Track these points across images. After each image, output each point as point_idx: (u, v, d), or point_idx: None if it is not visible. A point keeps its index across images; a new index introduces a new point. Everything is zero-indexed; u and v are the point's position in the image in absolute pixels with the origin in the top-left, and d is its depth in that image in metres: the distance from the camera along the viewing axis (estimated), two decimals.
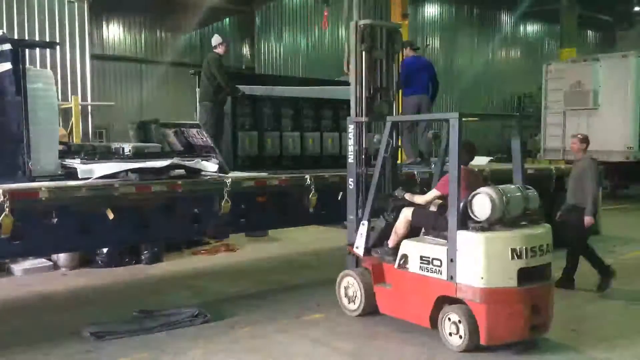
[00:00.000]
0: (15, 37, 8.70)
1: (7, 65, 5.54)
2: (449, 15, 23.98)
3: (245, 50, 17.59)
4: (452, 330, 5.12)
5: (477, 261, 4.96)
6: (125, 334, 5.57)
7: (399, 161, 7.23)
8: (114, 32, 15.46)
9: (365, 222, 6.13)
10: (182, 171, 6.30)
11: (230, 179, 6.30)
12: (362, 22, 6.37)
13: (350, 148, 6.39)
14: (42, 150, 5.71)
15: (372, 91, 6.38)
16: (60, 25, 10.26)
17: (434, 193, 5.69)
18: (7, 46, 5.56)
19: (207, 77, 7.93)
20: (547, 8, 23.38)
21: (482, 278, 4.92)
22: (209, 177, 6.44)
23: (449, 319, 5.16)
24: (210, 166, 6.49)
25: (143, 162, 5.99)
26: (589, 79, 15.08)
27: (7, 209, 4.86)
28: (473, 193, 5.16)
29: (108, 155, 6.39)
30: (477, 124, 12.33)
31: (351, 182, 6.40)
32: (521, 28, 27.26)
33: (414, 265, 5.49)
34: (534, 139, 20.38)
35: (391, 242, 5.92)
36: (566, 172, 9.88)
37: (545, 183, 9.29)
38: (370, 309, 6.01)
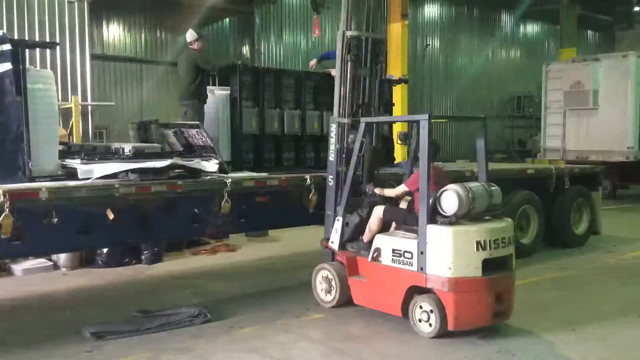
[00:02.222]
0: (15, 37, 8.70)
1: (7, 66, 5.55)
2: (449, 15, 23.97)
3: (246, 50, 17.59)
4: (423, 317, 5.46)
5: (445, 253, 5.31)
6: (125, 334, 5.57)
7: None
8: (114, 32, 15.46)
9: (340, 218, 6.43)
10: (182, 171, 6.30)
11: (230, 179, 6.30)
12: (349, 34, 6.52)
13: (332, 147, 6.62)
14: (42, 150, 5.72)
15: (354, 107, 6.60)
16: (60, 25, 10.25)
17: (402, 188, 6.05)
18: (7, 46, 5.56)
19: (190, 74, 7.84)
20: (547, 8, 23.38)
21: (449, 268, 5.28)
22: (209, 177, 6.45)
23: (420, 307, 5.49)
24: (210, 166, 6.49)
25: (143, 162, 5.99)
26: (588, 79, 15.08)
27: (7, 209, 4.86)
28: (441, 189, 5.48)
29: (108, 155, 6.39)
30: (475, 124, 12.34)
31: (331, 180, 6.65)
32: (521, 28, 27.27)
33: (386, 258, 5.81)
34: (533, 139, 20.40)
35: (365, 238, 6.23)
36: (566, 172, 9.91)
37: (545, 183, 9.29)
38: (345, 301, 6.29)
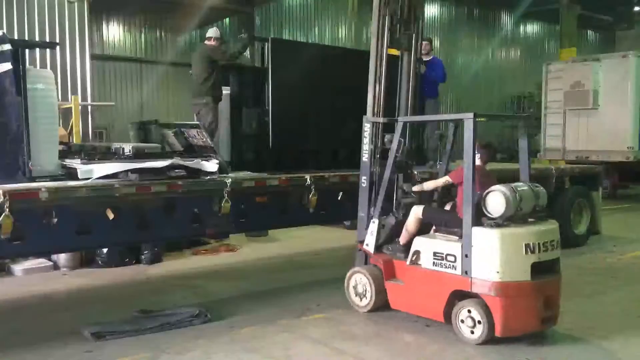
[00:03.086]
0: (15, 37, 8.70)
1: (7, 66, 5.55)
2: (449, 15, 23.97)
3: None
4: (468, 323, 5.29)
5: (492, 256, 5.14)
6: (125, 334, 5.57)
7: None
8: (114, 32, 15.46)
9: (376, 220, 6.24)
10: (182, 171, 6.31)
11: (230, 179, 6.31)
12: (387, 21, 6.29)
13: (365, 147, 6.46)
14: (42, 150, 5.72)
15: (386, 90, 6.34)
16: (60, 25, 10.25)
17: (445, 179, 5.91)
18: (7, 46, 5.56)
19: (204, 70, 7.67)
20: (547, 8, 23.37)
21: (497, 272, 5.11)
22: (209, 177, 6.45)
23: (465, 312, 5.32)
24: (210, 166, 6.49)
25: (143, 163, 5.99)
26: (589, 79, 15.08)
27: (7, 209, 4.86)
28: (487, 191, 5.32)
29: (108, 155, 6.39)
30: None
31: (364, 180, 6.48)
32: (521, 28, 27.27)
33: (426, 261, 5.65)
34: (533, 139, 20.39)
35: (402, 240, 6.06)
36: (566, 172, 9.90)
37: (545, 183, 9.28)
38: (380, 305, 6.12)
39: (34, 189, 5.18)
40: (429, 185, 6.15)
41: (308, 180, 6.85)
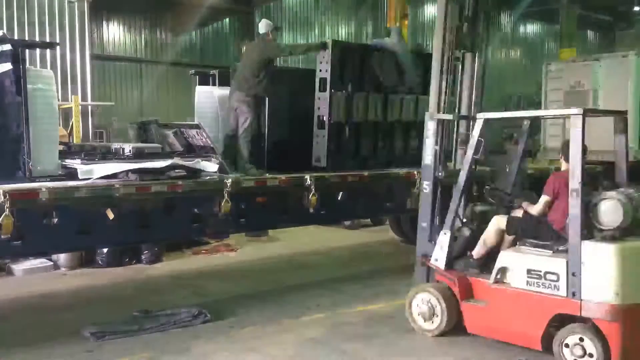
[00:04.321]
0: (15, 37, 8.70)
1: (7, 66, 5.54)
2: None
3: None
4: (576, 352, 4.62)
5: (609, 275, 4.48)
6: (125, 334, 5.58)
7: None
8: (114, 32, 15.44)
9: (448, 232, 5.56)
10: (182, 171, 6.30)
11: (230, 179, 6.30)
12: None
13: (429, 149, 5.92)
14: (42, 150, 5.71)
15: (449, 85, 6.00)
16: (60, 25, 10.23)
17: (544, 199, 5.19)
18: (7, 46, 5.56)
19: (258, 68, 7.04)
20: (547, 8, 23.36)
21: (616, 294, 4.46)
22: (209, 177, 6.45)
23: (574, 339, 4.64)
24: (210, 166, 6.49)
25: (143, 163, 5.99)
26: (588, 79, 15.06)
27: (7, 210, 4.86)
28: (600, 198, 4.74)
29: (108, 155, 6.39)
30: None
31: (426, 186, 5.91)
32: (521, 28, 27.25)
33: (517, 280, 4.98)
34: (533, 138, 20.38)
35: (476, 253, 5.48)
36: None
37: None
38: (451, 328, 5.49)
39: (34, 189, 5.18)
40: (533, 211, 5.27)
41: (308, 180, 6.85)
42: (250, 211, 6.79)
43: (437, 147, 5.90)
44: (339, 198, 7.60)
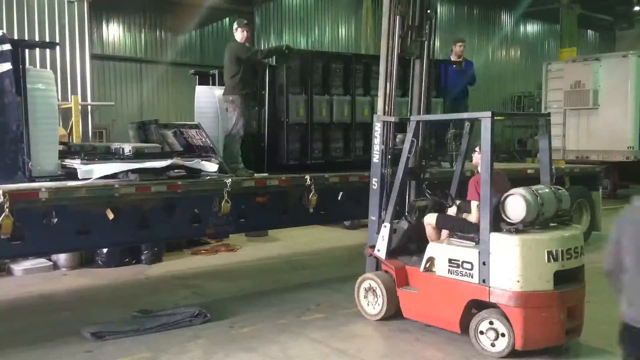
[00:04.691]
0: (15, 37, 8.70)
1: (7, 66, 5.55)
2: (449, 15, 23.96)
3: None
4: (489, 335, 5.00)
5: (513, 264, 4.84)
6: (125, 334, 5.58)
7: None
8: (114, 32, 15.45)
9: (388, 225, 5.96)
10: (182, 171, 6.30)
11: (230, 179, 6.30)
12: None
13: (376, 147, 6.29)
14: (42, 150, 5.72)
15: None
16: (60, 25, 10.23)
17: (474, 205, 5.41)
18: (7, 46, 5.57)
19: (232, 66, 7.18)
20: (547, 8, 23.36)
21: (518, 281, 4.81)
22: (209, 177, 6.45)
23: (484, 324, 5.03)
24: (210, 166, 6.49)
25: (143, 163, 5.99)
26: (589, 79, 15.07)
27: (7, 210, 4.87)
28: (506, 194, 5.03)
29: (108, 155, 6.39)
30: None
31: (375, 183, 6.29)
32: (521, 28, 27.25)
33: (441, 269, 5.34)
34: (534, 138, 20.35)
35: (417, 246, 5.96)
36: (566, 172, 9.89)
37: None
38: (392, 313, 5.86)
39: (34, 189, 5.18)
40: (471, 218, 5.47)
41: (308, 180, 6.85)
42: (250, 211, 6.80)
43: (384, 147, 6.25)
44: (339, 198, 7.60)
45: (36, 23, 10.01)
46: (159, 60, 16.08)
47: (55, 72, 7.28)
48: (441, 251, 5.41)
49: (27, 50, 5.92)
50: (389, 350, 5.27)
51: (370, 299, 6.01)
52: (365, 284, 6.08)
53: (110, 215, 5.68)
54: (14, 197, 4.93)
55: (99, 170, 5.76)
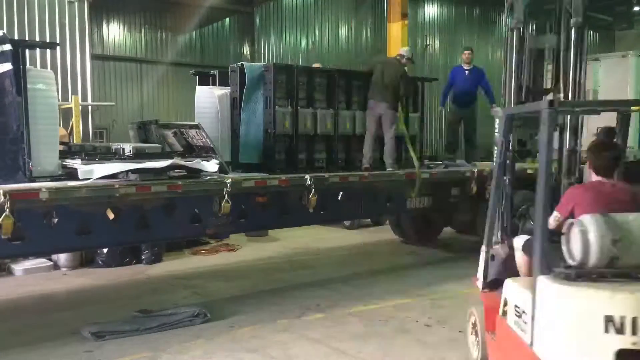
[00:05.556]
0: (16, 37, 8.69)
1: (7, 66, 5.54)
2: (449, 15, 23.97)
3: (245, 50, 17.58)
4: None
5: (554, 327, 3.41)
6: (125, 334, 5.59)
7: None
8: (114, 32, 15.43)
9: (484, 248, 4.83)
10: (182, 171, 6.31)
11: (230, 179, 6.31)
12: None
13: (497, 147, 5.25)
14: (42, 150, 5.71)
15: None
16: (61, 26, 10.22)
17: (555, 215, 3.95)
18: (7, 46, 5.55)
19: (397, 84, 8.09)
20: (547, 8, 23.38)
21: (560, 354, 3.35)
22: (209, 177, 6.45)
23: None
24: (210, 166, 6.49)
25: (143, 163, 5.99)
26: (588, 79, 15.04)
27: (7, 210, 4.87)
28: (569, 221, 3.61)
29: (108, 155, 6.39)
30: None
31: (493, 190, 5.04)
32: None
33: (510, 316, 4.03)
34: (534, 138, 20.39)
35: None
36: (566, 171, 9.87)
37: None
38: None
39: (34, 189, 5.18)
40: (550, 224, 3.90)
41: (308, 180, 6.85)
42: (250, 211, 6.80)
43: (503, 148, 4.90)
44: (339, 198, 7.60)
45: (36, 23, 10.01)
46: (159, 60, 16.06)
47: (55, 72, 7.27)
48: (513, 292, 4.06)
49: (27, 51, 5.90)
50: (389, 350, 5.28)
51: (473, 339, 4.89)
52: (472, 319, 4.92)
53: (111, 215, 5.68)
54: (14, 197, 4.93)
55: (100, 170, 5.76)
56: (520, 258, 4.42)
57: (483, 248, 4.86)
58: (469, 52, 10.66)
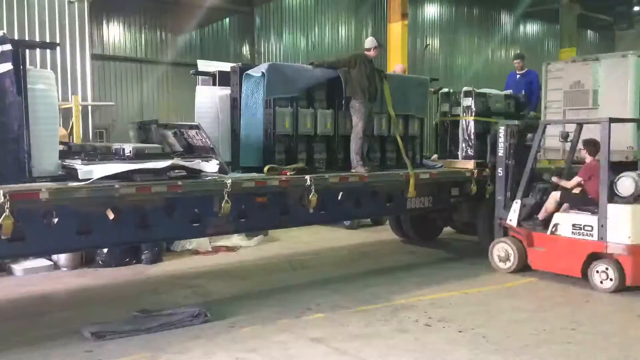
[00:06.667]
0: (16, 37, 8.70)
1: (7, 66, 5.55)
2: (449, 15, 23.96)
3: (245, 50, 17.58)
4: (602, 277, 7.04)
5: (625, 225, 6.95)
6: (126, 334, 5.58)
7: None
8: (114, 32, 15.44)
9: (519, 201, 8.02)
10: (182, 172, 6.31)
11: (230, 180, 6.31)
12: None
13: (501, 145, 8.31)
14: (42, 150, 5.72)
15: None
16: (61, 26, 10.23)
17: (577, 179, 7.70)
18: (7, 47, 5.56)
19: (370, 77, 7.97)
20: (547, 8, 23.36)
21: (629, 237, 6.92)
22: (209, 177, 6.45)
23: (601, 268, 7.05)
24: (210, 167, 6.49)
25: (143, 163, 5.99)
26: (588, 79, 15.00)
27: (7, 210, 4.87)
28: (619, 176, 7.17)
29: (108, 155, 6.39)
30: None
31: (500, 171, 8.35)
32: (521, 28, 27.26)
33: (565, 231, 7.45)
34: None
35: (541, 216, 7.84)
36: (565, 171, 9.87)
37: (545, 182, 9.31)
38: (520, 267, 7.89)
39: (35, 190, 5.18)
40: (565, 184, 7.83)
41: (308, 180, 6.86)
42: (250, 211, 6.80)
43: (507, 144, 8.29)
44: (339, 198, 7.60)
45: (36, 23, 10.02)
46: (159, 60, 16.07)
47: (55, 72, 7.28)
48: (566, 219, 7.51)
49: (27, 51, 5.91)
50: (389, 350, 5.28)
51: (503, 256, 8.06)
52: (499, 246, 8.13)
53: (111, 216, 5.69)
54: (14, 198, 4.94)
55: (100, 170, 5.76)
56: (552, 203, 7.73)
57: (517, 201, 8.03)
58: (518, 61, 11.59)
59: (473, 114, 9.04)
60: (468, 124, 9.01)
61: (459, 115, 9.19)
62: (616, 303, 6.69)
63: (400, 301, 6.73)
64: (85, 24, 10.62)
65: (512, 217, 8.06)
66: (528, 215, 8.02)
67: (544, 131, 8.14)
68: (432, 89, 9.60)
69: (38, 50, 9.82)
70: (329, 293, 7.07)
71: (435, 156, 9.81)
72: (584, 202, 7.50)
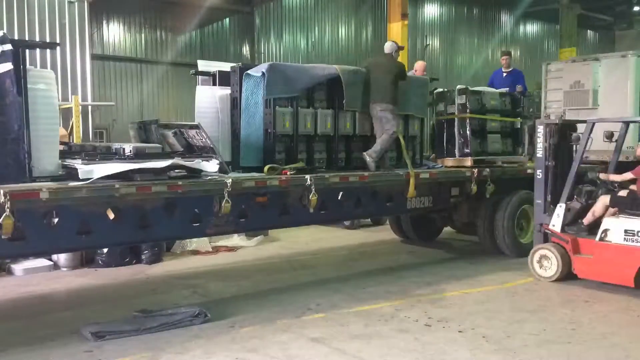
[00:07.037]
0: (16, 37, 8.70)
1: (8, 66, 5.55)
2: (449, 15, 23.97)
3: (245, 50, 17.59)
4: None
5: None
6: (126, 334, 5.58)
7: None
8: (114, 32, 15.45)
9: (563, 205, 7.45)
10: (182, 171, 6.31)
11: (230, 179, 6.31)
12: None
13: (540, 145, 7.80)
14: (42, 150, 5.72)
15: None
16: (61, 26, 10.23)
17: (629, 175, 7.14)
18: (7, 46, 5.56)
19: (395, 81, 8.07)
20: (547, 8, 23.38)
21: None
22: (209, 177, 6.45)
23: None
24: (210, 166, 6.49)
25: (144, 163, 5.99)
26: (588, 79, 15.04)
27: (7, 210, 4.87)
28: None
29: (109, 155, 6.39)
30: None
31: (539, 173, 7.83)
32: (521, 28, 27.27)
33: (617, 238, 6.85)
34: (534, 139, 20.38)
35: (586, 221, 7.29)
36: None
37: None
38: (564, 276, 7.33)
39: (35, 189, 5.18)
40: (614, 177, 7.33)
41: (308, 180, 6.86)
42: (251, 211, 6.80)
43: (547, 144, 7.74)
44: (339, 198, 7.60)
45: (36, 23, 10.02)
46: (159, 60, 16.09)
47: (55, 72, 7.27)
48: (617, 224, 6.91)
49: (27, 51, 5.91)
50: (389, 350, 5.28)
51: (545, 264, 7.49)
52: (540, 253, 7.55)
53: (111, 215, 5.69)
54: (14, 197, 4.94)
55: (100, 170, 5.76)
56: (600, 207, 7.15)
57: (561, 205, 7.47)
58: (505, 57, 11.49)
59: (468, 111, 9.01)
60: (463, 121, 8.99)
61: (454, 114, 9.16)
62: (616, 303, 6.67)
63: (400, 301, 6.73)
64: (85, 24, 10.61)
65: (556, 222, 7.49)
66: (572, 220, 7.47)
67: (591, 130, 7.50)
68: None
69: (38, 50, 9.81)
70: (329, 293, 7.07)
71: (432, 156, 9.81)
72: (637, 205, 6.89)
